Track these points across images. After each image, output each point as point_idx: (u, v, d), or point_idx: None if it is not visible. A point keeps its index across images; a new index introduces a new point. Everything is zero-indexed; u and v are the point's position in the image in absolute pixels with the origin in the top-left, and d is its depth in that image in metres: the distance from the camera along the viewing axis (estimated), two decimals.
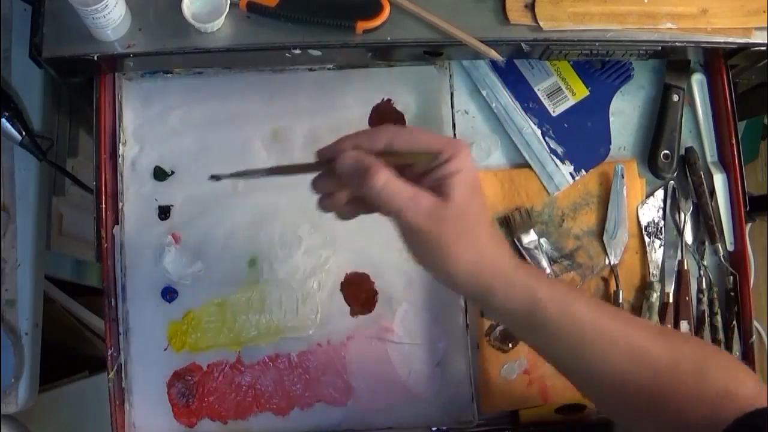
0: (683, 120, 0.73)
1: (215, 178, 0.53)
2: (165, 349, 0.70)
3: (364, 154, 0.48)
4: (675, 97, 0.73)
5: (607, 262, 0.71)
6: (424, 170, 0.48)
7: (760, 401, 0.45)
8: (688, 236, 0.73)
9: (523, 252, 0.70)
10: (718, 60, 0.72)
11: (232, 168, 0.70)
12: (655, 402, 0.48)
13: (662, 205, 0.73)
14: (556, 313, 0.48)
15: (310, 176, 0.73)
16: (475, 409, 0.69)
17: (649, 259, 0.72)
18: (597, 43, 0.65)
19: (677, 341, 0.50)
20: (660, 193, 0.73)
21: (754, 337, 0.71)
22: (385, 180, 0.47)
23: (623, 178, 0.71)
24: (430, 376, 0.70)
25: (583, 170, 0.72)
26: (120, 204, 0.70)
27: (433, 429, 0.69)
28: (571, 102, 0.72)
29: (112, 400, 0.67)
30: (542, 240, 0.70)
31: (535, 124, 0.71)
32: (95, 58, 0.63)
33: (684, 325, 0.71)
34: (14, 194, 0.74)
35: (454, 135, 0.71)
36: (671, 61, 0.73)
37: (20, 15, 0.73)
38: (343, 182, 0.50)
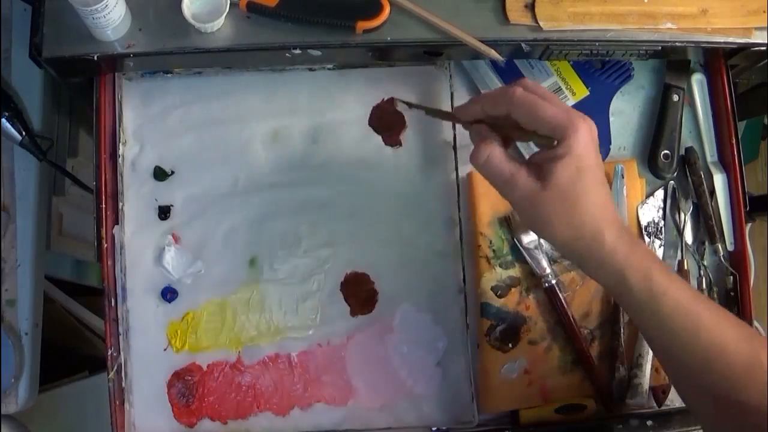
0: (683, 120, 0.73)
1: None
2: (165, 349, 0.70)
3: (484, 128, 0.55)
4: (675, 97, 0.73)
5: None
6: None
7: None
8: (688, 236, 0.73)
9: (523, 252, 0.70)
10: (718, 60, 0.72)
11: (234, 168, 0.71)
12: (727, 396, 0.50)
13: (662, 205, 0.73)
14: (643, 300, 0.51)
15: (310, 174, 0.73)
16: (475, 409, 0.69)
17: None
18: (597, 43, 0.65)
19: (760, 348, 0.51)
20: (660, 193, 0.73)
21: None
22: (485, 159, 0.53)
23: (623, 178, 0.71)
24: (430, 376, 0.70)
25: None
26: (120, 204, 0.70)
27: (433, 429, 0.69)
28: (571, 102, 0.72)
29: (112, 400, 0.67)
30: (542, 240, 0.70)
31: None
32: (95, 58, 0.63)
33: None
34: (14, 194, 0.74)
35: (454, 135, 0.71)
36: (671, 61, 0.73)
37: (20, 15, 0.73)
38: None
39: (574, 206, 0.51)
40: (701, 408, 0.53)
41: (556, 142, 0.51)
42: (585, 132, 0.51)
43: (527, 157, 0.66)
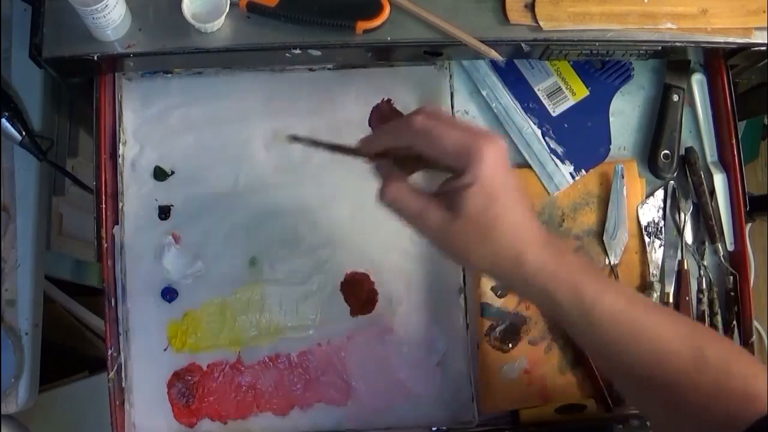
0: (683, 120, 0.73)
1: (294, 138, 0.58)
2: (165, 349, 0.70)
3: (386, 163, 0.52)
4: (675, 97, 0.73)
5: (607, 262, 0.71)
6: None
7: None
8: (688, 236, 0.73)
9: None
10: (718, 60, 0.72)
11: (234, 168, 0.71)
12: (675, 398, 0.49)
13: (662, 205, 0.73)
14: (577, 316, 0.49)
15: (310, 174, 0.73)
16: (475, 409, 0.69)
17: (649, 259, 0.72)
18: (597, 43, 0.65)
19: (704, 344, 0.50)
20: (660, 193, 0.73)
21: (754, 337, 0.71)
22: (393, 196, 0.50)
23: (623, 178, 0.71)
24: (430, 376, 0.70)
25: (583, 170, 0.72)
26: (120, 204, 0.70)
27: (433, 429, 0.69)
28: (571, 102, 0.72)
29: (112, 400, 0.67)
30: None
31: (535, 124, 0.71)
32: (95, 58, 0.63)
33: None
34: (14, 194, 0.74)
35: None
36: (671, 61, 0.73)
37: (20, 15, 0.73)
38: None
39: (489, 234, 0.49)
40: (652, 410, 0.52)
41: (461, 171, 0.48)
42: (490, 155, 0.48)
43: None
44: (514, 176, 0.50)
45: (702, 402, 0.47)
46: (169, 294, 0.70)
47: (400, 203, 0.51)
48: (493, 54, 0.64)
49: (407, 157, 0.52)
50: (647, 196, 0.73)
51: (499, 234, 0.49)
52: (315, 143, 0.57)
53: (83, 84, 0.70)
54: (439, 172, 0.52)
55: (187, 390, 0.69)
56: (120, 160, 0.71)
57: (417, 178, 0.54)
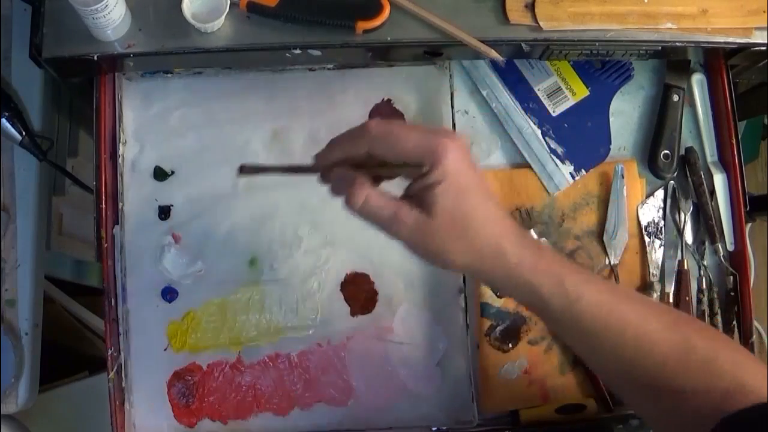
0: (683, 120, 0.73)
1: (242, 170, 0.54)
2: (165, 349, 0.70)
3: (347, 171, 0.49)
4: (675, 97, 0.73)
5: (607, 262, 0.71)
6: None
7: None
8: (688, 236, 0.73)
9: None
10: (718, 60, 0.72)
11: (234, 168, 0.71)
12: (663, 386, 0.49)
13: (662, 205, 0.73)
14: (560, 308, 0.49)
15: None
16: (475, 409, 0.69)
17: (649, 259, 0.72)
18: (597, 43, 0.65)
19: (690, 331, 0.50)
20: (660, 193, 0.73)
21: (754, 337, 0.71)
22: (363, 202, 0.48)
23: (623, 178, 0.71)
24: (430, 376, 0.70)
25: (583, 170, 0.72)
26: (120, 204, 0.70)
27: (433, 429, 0.69)
28: (571, 102, 0.72)
29: (112, 400, 0.67)
30: (542, 240, 0.70)
31: (535, 124, 0.71)
32: (95, 58, 0.63)
33: None
34: (14, 194, 0.74)
35: None
36: (671, 61, 0.73)
37: (20, 15, 0.73)
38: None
39: (467, 229, 0.48)
40: (637, 399, 0.52)
41: (426, 169, 0.47)
42: (455, 151, 0.47)
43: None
44: (479, 172, 0.49)
45: (690, 387, 0.48)
46: (169, 294, 0.70)
47: (371, 208, 0.48)
48: (493, 54, 0.64)
49: (362, 166, 0.49)
50: (647, 196, 0.73)
51: (476, 228, 0.48)
52: (264, 170, 0.55)
53: (83, 84, 0.70)
54: (398, 178, 0.50)
55: (187, 390, 0.69)
56: (120, 160, 0.71)
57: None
